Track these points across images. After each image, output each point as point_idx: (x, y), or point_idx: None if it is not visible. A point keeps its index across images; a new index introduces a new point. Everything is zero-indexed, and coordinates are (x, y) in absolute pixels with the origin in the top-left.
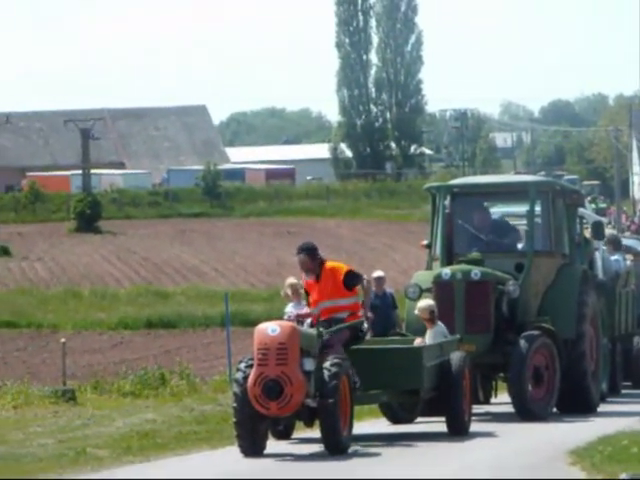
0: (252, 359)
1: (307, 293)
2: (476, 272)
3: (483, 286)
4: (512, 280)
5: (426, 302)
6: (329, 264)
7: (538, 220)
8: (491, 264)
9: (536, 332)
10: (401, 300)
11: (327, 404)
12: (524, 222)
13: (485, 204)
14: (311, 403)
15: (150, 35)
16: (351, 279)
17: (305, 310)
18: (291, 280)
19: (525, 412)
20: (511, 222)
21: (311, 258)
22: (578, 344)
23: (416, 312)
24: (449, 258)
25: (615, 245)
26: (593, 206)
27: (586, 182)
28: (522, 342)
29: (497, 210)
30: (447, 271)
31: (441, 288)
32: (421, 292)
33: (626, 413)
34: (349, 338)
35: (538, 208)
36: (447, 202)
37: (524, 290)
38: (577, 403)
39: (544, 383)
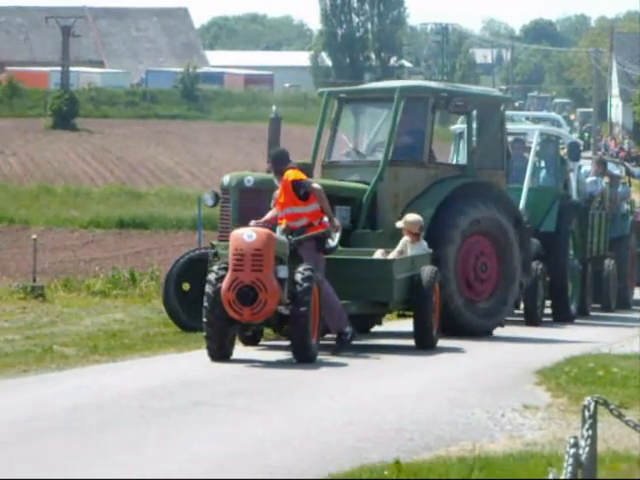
0: (226, 263)
1: None
2: (249, 179)
3: (256, 193)
4: None
5: (414, 217)
6: (287, 173)
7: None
8: (359, 172)
9: None
10: None
11: (299, 312)
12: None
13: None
14: (283, 310)
15: None
16: (297, 188)
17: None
18: None
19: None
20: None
21: (275, 164)
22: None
23: (399, 225)
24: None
25: (601, 167)
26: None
27: (557, 100)
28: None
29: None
30: (226, 177)
31: (223, 194)
32: (217, 198)
33: (594, 335)
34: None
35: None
36: (335, 108)
37: (377, 200)
38: (447, 326)
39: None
